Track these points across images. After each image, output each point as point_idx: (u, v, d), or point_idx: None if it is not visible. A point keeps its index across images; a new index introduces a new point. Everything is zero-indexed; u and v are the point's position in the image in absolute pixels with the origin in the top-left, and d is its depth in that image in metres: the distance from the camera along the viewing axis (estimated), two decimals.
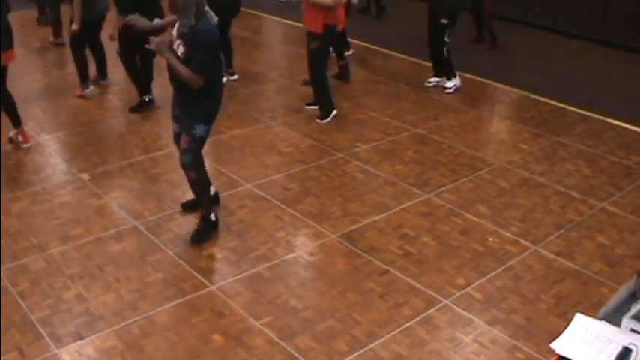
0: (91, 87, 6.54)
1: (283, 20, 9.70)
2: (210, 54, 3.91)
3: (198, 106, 4.07)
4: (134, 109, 6.22)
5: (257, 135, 5.88)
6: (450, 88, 7.07)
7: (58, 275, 3.90)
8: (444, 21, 6.73)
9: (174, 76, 4.02)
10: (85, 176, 5.06)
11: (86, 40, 6.32)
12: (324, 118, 6.18)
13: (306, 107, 6.43)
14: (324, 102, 6.24)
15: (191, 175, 4.21)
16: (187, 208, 4.58)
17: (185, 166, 4.18)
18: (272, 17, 9.92)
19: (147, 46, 3.86)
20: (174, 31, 3.96)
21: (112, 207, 4.66)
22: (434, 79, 7.24)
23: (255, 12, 9.86)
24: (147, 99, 6.24)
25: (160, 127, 5.92)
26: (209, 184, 4.42)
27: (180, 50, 3.88)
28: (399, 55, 8.18)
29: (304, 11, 6.01)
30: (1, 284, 3.78)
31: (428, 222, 4.60)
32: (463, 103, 6.82)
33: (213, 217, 4.35)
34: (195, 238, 4.26)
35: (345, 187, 5.05)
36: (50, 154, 5.44)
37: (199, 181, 4.26)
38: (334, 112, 6.22)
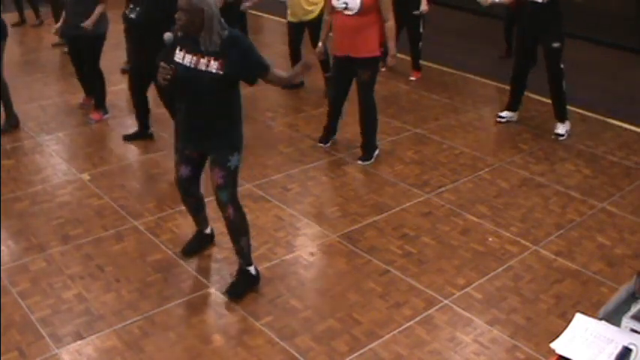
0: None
1: (283, 20, 9.69)
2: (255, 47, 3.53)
3: (234, 132, 3.62)
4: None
5: (257, 135, 5.88)
6: (563, 135, 5.98)
7: (58, 275, 3.90)
8: (557, 45, 5.66)
9: (202, 109, 3.51)
10: (85, 176, 5.06)
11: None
12: (370, 158, 5.46)
13: (325, 146, 5.63)
14: (375, 138, 5.52)
15: (229, 213, 3.65)
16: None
17: (222, 204, 3.63)
18: (272, 17, 9.92)
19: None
20: (185, 53, 3.45)
21: (112, 207, 4.65)
22: (507, 114, 6.31)
23: (255, 12, 9.87)
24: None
25: (160, 127, 5.91)
26: (247, 224, 3.77)
27: (214, 66, 3.37)
28: (399, 55, 8.16)
29: (344, 38, 5.12)
30: (1, 284, 3.79)
31: (428, 222, 4.60)
32: (463, 103, 6.82)
33: (253, 270, 3.82)
34: (234, 293, 3.74)
35: (345, 187, 5.05)
36: (50, 154, 5.45)
37: (239, 219, 3.69)
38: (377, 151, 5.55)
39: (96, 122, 6.05)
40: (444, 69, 7.85)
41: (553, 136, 6.01)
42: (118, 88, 6.85)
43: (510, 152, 5.73)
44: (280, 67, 7.98)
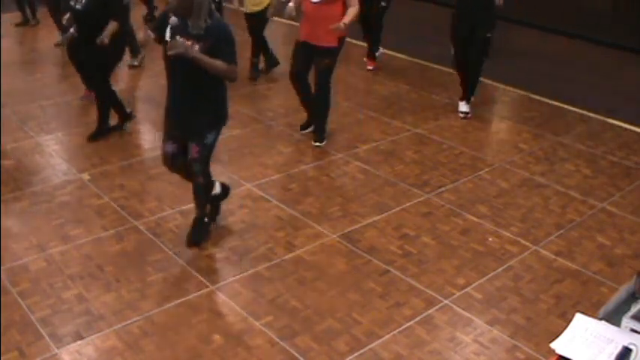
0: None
1: (283, 20, 9.69)
2: (235, 44, 3.85)
3: (213, 112, 3.99)
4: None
5: (257, 135, 5.88)
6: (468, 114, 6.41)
7: (58, 275, 3.90)
8: (490, 34, 6.12)
9: (188, 86, 3.87)
10: (85, 176, 5.06)
11: None
12: (324, 140, 5.71)
13: (303, 133, 5.88)
14: (325, 122, 5.76)
15: (199, 180, 4.10)
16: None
17: (195, 174, 4.07)
18: (272, 17, 9.90)
19: (170, 52, 3.68)
20: (173, 32, 3.80)
21: (112, 207, 4.65)
22: (466, 107, 6.42)
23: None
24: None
25: (160, 127, 5.91)
26: (211, 189, 4.29)
27: (196, 49, 3.73)
28: (399, 55, 8.18)
29: (307, 24, 5.38)
30: (1, 284, 3.79)
31: (428, 222, 4.60)
32: None
33: (206, 219, 4.29)
34: (193, 242, 4.19)
35: (345, 187, 5.05)
36: (50, 154, 5.44)
37: (206, 184, 4.18)
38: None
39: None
40: (444, 69, 7.84)
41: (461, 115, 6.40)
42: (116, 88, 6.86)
43: (510, 152, 5.73)
44: (279, 67, 7.96)
